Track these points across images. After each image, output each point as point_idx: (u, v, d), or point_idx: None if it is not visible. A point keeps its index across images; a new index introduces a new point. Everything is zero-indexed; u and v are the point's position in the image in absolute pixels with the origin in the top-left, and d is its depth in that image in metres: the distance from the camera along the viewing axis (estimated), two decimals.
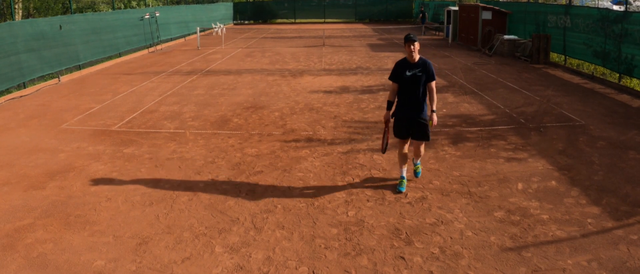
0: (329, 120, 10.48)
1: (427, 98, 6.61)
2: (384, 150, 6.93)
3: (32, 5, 23.03)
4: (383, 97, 12.56)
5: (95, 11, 23.15)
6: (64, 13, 22.91)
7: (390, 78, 6.65)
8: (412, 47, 6.33)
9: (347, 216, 6.16)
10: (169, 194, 6.90)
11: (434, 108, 6.59)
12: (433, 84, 6.54)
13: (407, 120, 6.64)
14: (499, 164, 7.83)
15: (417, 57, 6.45)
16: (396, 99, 6.74)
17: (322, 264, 5.09)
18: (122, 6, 25.90)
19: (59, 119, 11.01)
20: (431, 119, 6.59)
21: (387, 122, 6.81)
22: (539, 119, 10.26)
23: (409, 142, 6.92)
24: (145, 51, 23.57)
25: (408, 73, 6.41)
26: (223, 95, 13.30)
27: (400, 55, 20.64)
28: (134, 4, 27.41)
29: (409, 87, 6.48)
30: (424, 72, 6.43)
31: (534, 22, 20.06)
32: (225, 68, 18.22)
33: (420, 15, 34.36)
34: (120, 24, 21.20)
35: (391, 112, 6.77)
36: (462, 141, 8.98)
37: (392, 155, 8.29)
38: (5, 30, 13.72)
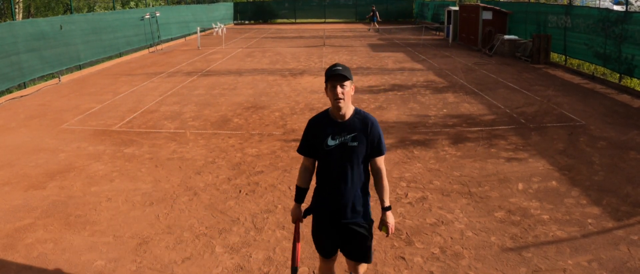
0: None
1: (370, 185, 3.85)
2: (293, 270, 3.85)
3: (33, 5, 23.03)
4: (384, 98, 12.55)
5: (93, 11, 23.15)
6: (64, 13, 22.92)
7: (299, 150, 3.83)
8: (338, 89, 3.48)
9: None
10: (170, 194, 6.89)
11: (387, 203, 3.83)
12: (381, 162, 3.78)
13: (333, 225, 3.83)
14: (500, 164, 7.83)
15: (348, 110, 3.61)
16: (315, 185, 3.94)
17: None
18: (120, 7, 25.89)
19: (60, 119, 11.01)
20: (385, 224, 3.85)
21: (296, 222, 4.00)
22: (540, 119, 10.25)
23: (337, 260, 4.20)
24: (145, 51, 23.57)
25: (331, 141, 3.63)
26: (223, 95, 13.29)
27: (401, 56, 20.70)
28: (132, 4, 27.40)
29: (335, 165, 3.66)
30: (363, 140, 3.63)
31: (534, 22, 20.04)
32: (225, 68, 18.22)
33: (371, 13, 34.86)
34: (121, 24, 21.20)
35: (302, 208, 4.01)
36: (463, 141, 8.97)
37: (393, 154, 8.27)
38: (5, 30, 13.72)
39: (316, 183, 3.87)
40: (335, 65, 3.57)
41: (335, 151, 3.64)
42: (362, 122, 3.64)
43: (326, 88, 3.57)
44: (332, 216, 3.78)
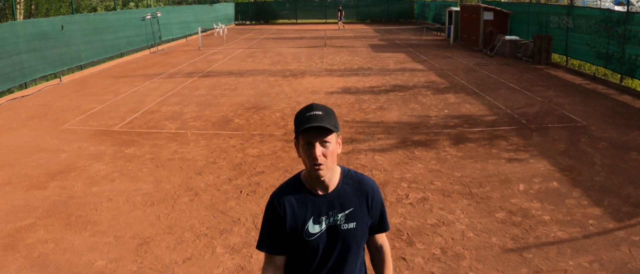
0: None
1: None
2: None
3: (33, 5, 23.05)
4: (385, 98, 12.54)
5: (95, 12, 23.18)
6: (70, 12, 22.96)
7: (259, 245, 2.44)
8: (316, 150, 2.22)
9: None
10: (170, 195, 6.89)
11: None
12: (384, 237, 2.65)
13: None
14: (501, 164, 7.82)
15: (333, 176, 2.39)
16: None
17: None
18: (120, 7, 25.92)
19: (61, 119, 11.02)
20: None
21: None
22: (541, 120, 10.24)
23: None
24: (146, 51, 23.58)
25: (314, 227, 2.37)
26: (224, 95, 13.30)
27: (402, 57, 20.67)
28: (131, 5, 27.41)
29: (323, 262, 2.42)
30: (362, 217, 2.44)
31: (535, 22, 20.03)
32: (226, 68, 18.22)
33: (338, 13, 37.88)
34: (122, 25, 21.22)
35: None
36: (464, 142, 8.97)
37: (394, 155, 8.28)
38: (7, 30, 13.74)
39: None
40: (309, 107, 2.28)
41: (321, 241, 2.36)
42: (357, 190, 2.41)
43: (296, 144, 2.32)
44: None
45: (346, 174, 2.43)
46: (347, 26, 39.07)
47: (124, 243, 5.59)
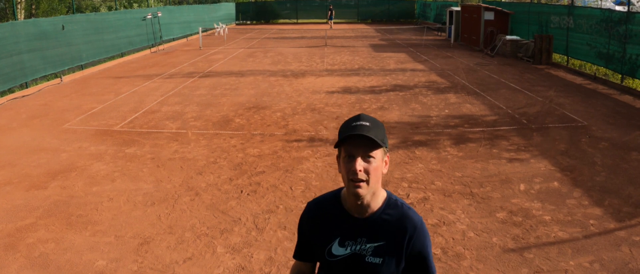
0: (331, 120, 10.47)
1: None
2: None
3: (34, 5, 23.05)
4: (386, 98, 12.54)
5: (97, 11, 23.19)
6: (67, 12, 22.96)
7: (295, 255, 2.41)
8: (357, 164, 1.96)
9: None
10: (171, 195, 6.89)
11: None
12: None
13: None
14: (501, 165, 7.81)
15: (376, 199, 2.11)
16: None
17: None
18: (122, 7, 25.93)
19: (61, 119, 11.02)
20: None
21: None
22: (542, 120, 10.24)
23: None
24: (147, 51, 23.58)
25: (339, 249, 2.15)
26: (225, 95, 13.30)
27: (402, 56, 20.69)
28: (135, 6, 27.43)
29: None
30: (393, 255, 2.09)
31: (536, 22, 20.03)
32: (227, 68, 18.22)
33: (329, 12, 39.09)
34: (123, 24, 21.23)
35: None
36: (465, 142, 8.96)
37: (395, 155, 8.27)
38: (7, 30, 13.74)
39: None
40: (357, 117, 2.05)
41: (342, 266, 2.15)
42: (396, 224, 2.09)
43: (338, 158, 2.09)
44: None
45: (389, 203, 2.13)
46: (346, 26, 39.06)
47: (124, 243, 5.59)
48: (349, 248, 2.12)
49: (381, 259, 2.08)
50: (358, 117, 2.04)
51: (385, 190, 2.16)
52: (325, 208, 2.21)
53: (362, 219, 2.10)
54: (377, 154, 1.99)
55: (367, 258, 2.09)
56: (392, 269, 2.10)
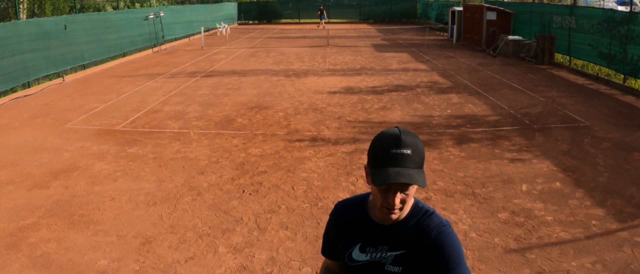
0: (333, 120, 10.47)
1: None
2: None
3: (36, 5, 23.09)
4: (387, 98, 12.54)
5: (100, 11, 23.21)
6: (70, 12, 22.99)
7: (322, 250, 2.38)
8: (397, 198, 1.90)
9: None
10: (173, 194, 6.90)
11: None
12: None
13: None
14: (503, 165, 7.81)
15: (402, 209, 1.97)
16: None
17: None
18: (126, 7, 25.95)
19: (63, 119, 11.04)
20: None
21: None
22: (544, 120, 10.23)
23: None
24: (149, 51, 23.60)
25: (359, 254, 2.11)
26: (227, 95, 13.30)
27: (404, 56, 20.69)
28: (137, 5, 27.45)
29: None
30: (413, 265, 2.01)
31: (538, 22, 20.01)
32: (229, 68, 18.23)
33: (319, 12, 39.27)
34: (125, 24, 21.24)
35: None
36: (467, 142, 8.95)
37: None
38: (10, 30, 13.76)
39: None
40: (397, 140, 1.87)
41: (360, 272, 2.11)
42: (419, 230, 2.00)
43: (367, 173, 1.99)
44: None
45: (415, 211, 2.04)
46: (349, 26, 39.08)
47: (126, 243, 5.60)
48: (369, 255, 2.07)
49: (401, 268, 2.01)
50: (399, 141, 1.85)
51: (413, 197, 2.03)
52: (351, 211, 2.16)
53: (385, 226, 2.04)
54: (414, 189, 1.92)
55: (387, 267, 2.03)
56: None
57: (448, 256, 1.93)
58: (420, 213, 2.03)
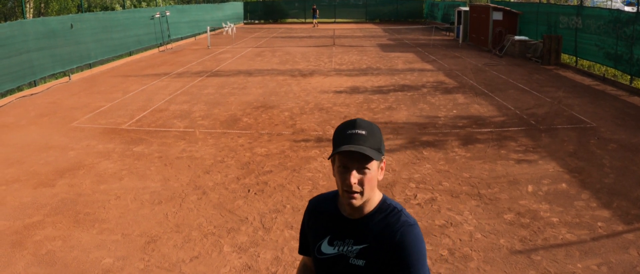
0: (339, 120, 10.46)
1: None
2: None
3: (43, 5, 23.17)
4: (393, 98, 12.52)
5: (108, 10, 23.28)
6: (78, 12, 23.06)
7: (299, 249, 2.44)
8: (352, 177, 1.93)
9: None
10: (178, 193, 6.91)
11: None
12: None
13: None
14: (509, 166, 7.78)
15: (369, 202, 2.06)
16: None
17: None
18: (132, 6, 26.02)
19: (69, 117, 11.07)
20: None
21: None
22: (550, 121, 10.19)
23: None
24: (155, 50, 23.65)
25: (327, 247, 2.15)
26: (233, 94, 13.31)
27: (410, 56, 20.68)
28: (144, 5, 27.51)
29: None
30: (376, 260, 2.02)
31: (545, 23, 19.94)
32: (235, 67, 18.25)
33: (312, 11, 40.53)
34: (131, 23, 21.30)
35: None
36: (472, 142, 8.93)
37: (403, 155, 8.26)
38: (16, 29, 13.81)
39: None
40: (352, 123, 2.00)
41: (328, 265, 2.15)
42: (385, 227, 2.04)
43: (332, 163, 2.04)
44: None
45: (381, 207, 2.08)
46: (355, 26, 39.08)
47: (131, 241, 5.61)
48: (337, 248, 2.11)
49: (364, 261, 2.04)
50: (353, 124, 1.98)
51: (382, 194, 2.13)
52: (323, 205, 2.22)
53: (352, 220, 2.09)
54: (373, 165, 1.96)
55: (351, 260, 2.07)
56: (375, 273, 2.04)
57: (409, 256, 1.97)
58: (387, 209, 2.07)
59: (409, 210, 6.21)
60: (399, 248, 1.97)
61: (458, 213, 6.18)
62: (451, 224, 5.91)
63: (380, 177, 2.04)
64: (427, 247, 5.35)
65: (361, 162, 1.92)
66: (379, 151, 1.98)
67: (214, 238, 5.67)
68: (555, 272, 4.86)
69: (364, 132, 1.95)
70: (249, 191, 6.98)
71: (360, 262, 2.04)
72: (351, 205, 1.99)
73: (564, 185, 7.00)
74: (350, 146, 1.90)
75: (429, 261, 5.10)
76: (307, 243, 2.29)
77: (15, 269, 5.03)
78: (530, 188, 6.90)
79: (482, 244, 5.42)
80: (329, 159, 2.02)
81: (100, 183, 7.31)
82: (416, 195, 6.72)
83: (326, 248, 2.14)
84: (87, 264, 5.12)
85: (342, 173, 1.95)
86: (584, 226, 5.80)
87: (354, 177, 1.92)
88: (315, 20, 39.99)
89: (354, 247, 2.06)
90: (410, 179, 7.31)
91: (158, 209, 6.42)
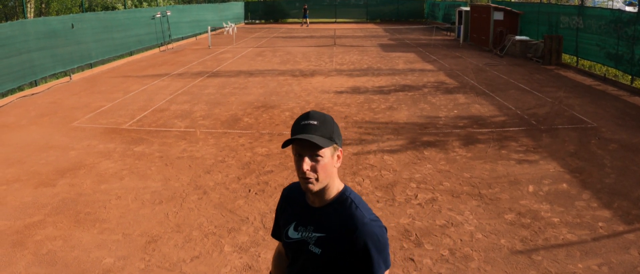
0: (340, 120, 10.46)
1: None
2: None
3: (44, 5, 23.18)
4: (394, 98, 12.52)
5: (110, 10, 23.28)
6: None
7: (272, 233, 2.55)
8: (305, 164, 2.06)
9: None
10: (179, 193, 6.91)
11: None
12: None
13: None
14: (510, 166, 7.78)
15: (328, 190, 2.18)
16: None
17: None
18: (133, 6, 26.02)
19: (70, 117, 11.08)
20: None
21: None
22: (551, 121, 10.18)
23: None
24: (156, 50, 23.65)
25: (293, 232, 2.28)
26: (234, 94, 13.31)
27: (411, 56, 20.67)
28: (144, 5, 27.52)
29: (289, 266, 2.36)
30: (333, 249, 2.12)
31: (546, 23, 19.92)
32: (236, 67, 18.24)
33: (303, 11, 40.54)
34: (132, 23, 21.29)
35: None
36: (473, 143, 8.93)
37: (403, 155, 8.26)
38: (17, 29, 13.82)
39: None
40: (306, 115, 2.14)
41: (293, 249, 2.29)
42: (341, 219, 2.12)
43: (293, 152, 2.16)
44: None
45: (340, 198, 2.18)
46: (355, 26, 39.07)
47: (132, 241, 5.61)
48: (300, 233, 2.23)
49: (320, 250, 2.14)
50: (307, 116, 2.13)
51: (345, 185, 2.24)
52: (294, 193, 2.37)
53: (314, 208, 2.22)
54: (326, 152, 2.08)
55: (310, 247, 2.18)
56: (331, 263, 2.13)
57: (368, 255, 2.06)
58: (344, 202, 2.17)
59: (410, 210, 6.23)
60: (357, 244, 2.07)
61: (459, 213, 6.18)
62: (452, 224, 5.91)
63: (337, 165, 2.17)
64: (428, 247, 5.36)
65: (313, 149, 2.06)
66: (331, 139, 2.10)
67: (215, 238, 5.67)
68: (556, 272, 4.86)
69: (315, 122, 2.09)
70: (249, 190, 6.98)
71: (317, 250, 2.15)
72: (309, 190, 2.11)
73: (564, 185, 6.99)
74: (302, 135, 2.05)
75: (429, 261, 5.11)
76: (279, 227, 2.43)
77: (16, 269, 5.04)
78: (531, 188, 6.90)
79: (483, 244, 5.42)
80: (283, 147, 2.17)
81: (101, 183, 7.31)
82: (417, 195, 6.72)
83: (292, 233, 2.27)
84: (87, 264, 5.13)
85: (297, 161, 2.10)
86: (584, 226, 5.80)
87: (307, 164, 2.06)
88: (305, 20, 40.01)
89: (313, 234, 2.18)
90: (411, 179, 7.31)
91: (159, 209, 6.42)
